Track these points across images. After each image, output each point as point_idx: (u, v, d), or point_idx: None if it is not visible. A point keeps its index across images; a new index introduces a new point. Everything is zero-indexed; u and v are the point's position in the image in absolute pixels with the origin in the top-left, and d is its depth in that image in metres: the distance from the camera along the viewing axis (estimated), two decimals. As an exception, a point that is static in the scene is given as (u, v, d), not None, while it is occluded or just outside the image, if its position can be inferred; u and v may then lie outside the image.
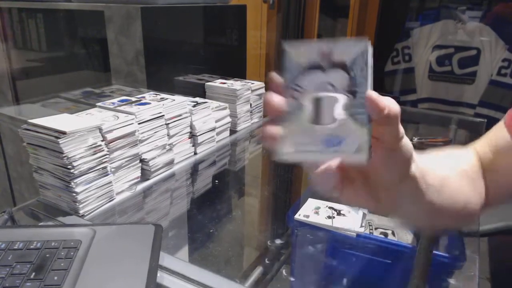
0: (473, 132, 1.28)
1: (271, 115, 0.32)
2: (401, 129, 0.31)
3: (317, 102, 0.31)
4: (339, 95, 0.30)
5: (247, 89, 1.16)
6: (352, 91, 0.30)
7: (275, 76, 0.32)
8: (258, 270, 0.62)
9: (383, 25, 1.73)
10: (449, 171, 0.43)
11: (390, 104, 0.29)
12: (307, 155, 0.31)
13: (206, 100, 1.01)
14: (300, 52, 0.31)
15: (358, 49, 0.30)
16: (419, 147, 1.06)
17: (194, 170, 0.95)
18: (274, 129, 0.31)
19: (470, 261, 0.61)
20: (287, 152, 0.32)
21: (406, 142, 0.33)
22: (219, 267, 0.59)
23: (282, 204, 1.00)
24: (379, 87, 1.94)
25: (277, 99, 0.31)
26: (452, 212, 0.42)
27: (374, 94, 0.29)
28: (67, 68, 1.48)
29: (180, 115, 0.91)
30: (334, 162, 0.31)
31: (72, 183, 0.67)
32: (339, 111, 0.31)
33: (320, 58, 0.31)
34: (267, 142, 0.31)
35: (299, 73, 0.31)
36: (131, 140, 0.78)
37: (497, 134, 0.48)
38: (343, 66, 0.30)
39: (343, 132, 0.30)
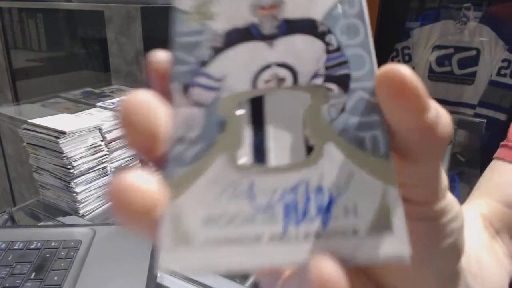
0: (473, 132, 1.28)
1: (136, 149, 0.13)
2: (444, 174, 0.16)
3: (256, 111, 0.14)
4: (309, 89, 0.14)
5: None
6: (337, 78, 0.14)
7: (158, 57, 0.14)
8: (258, 270, 0.61)
9: (382, 25, 1.73)
10: (477, 249, 0.29)
11: (438, 107, 0.14)
12: (240, 255, 0.12)
13: (206, 100, 1.01)
14: (210, 11, 0.14)
15: None
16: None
17: (194, 170, 0.95)
18: (142, 181, 0.12)
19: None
20: (180, 253, 0.12)
21: (452, 200, 0.17)
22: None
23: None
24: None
25: (147, 106, 0.13)
26: None
27: (403, 69, 0.12)
28: (67, 68, 1.48)
29: (180, 115, 0.90)
30: (322, 265, 0.12)
31: (72, 183, 0.67)
32: (314, 128, 0.13)
33: (257, 16, 0.14)
34: (122, 217, 0.12)
35: (212, 51, 0.14)
36: (131, 140, 0.78)
37: (505, 182, 0.37)
38: (309, 27, 0.14)
39: (330, 179, 0.13)
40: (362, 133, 0.13)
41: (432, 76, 1.74)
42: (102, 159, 0.72)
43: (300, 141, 0.14)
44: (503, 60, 1.56)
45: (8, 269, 0.50)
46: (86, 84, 1.28)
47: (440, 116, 0.13)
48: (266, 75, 0.14)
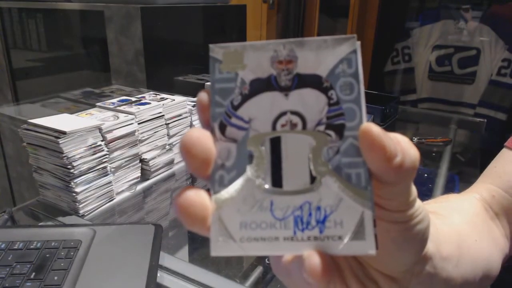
0: (473, 132, 1.28)
1: (194, 171, 0.19)
2: (413, 188, 0.21)
3: (275, 148, 0.19)
4: (314, 134, 0.18)
5: (247, 89, 1.15)
6: (335, 127, 0.18)
7: (204, 97, 0.19)
8: (258, 270, 0.61)
9: (383, 25, 1.73)
10: (463, 226, 0.32)
11: (405, 148, 0.18)
12: (264, 247, 0.18)
13: (206, 100, 1.01)
14: (239, 61, 0.19)
15: (339, 53, 0.18)
16: (419, 147, 1.06)
17: (194, 170, 0.95)
18: (199, 199, 0.18)
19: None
20: (225, 245, 0.18)
21: (419, 207, 0.21)
22: (219, 267, 0.59)
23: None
24: (379, 88, 1.94)
25: (202, 141, 0.18)
26: (472, 284, 0.31)
27: (374, 129, 0.17)
28: (67, 68, 1.48)
29: (180, 115, 0.90)
30: (313, 253, 0.18)
31: (72, 183, 0.67)
32: (316, 164, 0.18)
33: (275, 69, 0.19)
34: (188, 223, 0.18)
35: (241, 96, 0.19)
36: (131, 140, 0.78)
37: (506, 170, 0.40)
38: (316, 82, 0.19)
39: (326, 202, 0.18)
40: (350, 170, 0.18)
41: (432, 76, 1.74)
42: (102, 159, 0.72)
43: (306, 172, 0.18)
44: (503, 60, 1.56)
45: (8, 269, 0.50)
46: (86, 84, 1.28)
47: (406, 156, 0.18)
48: (282, 120, 0.19)
